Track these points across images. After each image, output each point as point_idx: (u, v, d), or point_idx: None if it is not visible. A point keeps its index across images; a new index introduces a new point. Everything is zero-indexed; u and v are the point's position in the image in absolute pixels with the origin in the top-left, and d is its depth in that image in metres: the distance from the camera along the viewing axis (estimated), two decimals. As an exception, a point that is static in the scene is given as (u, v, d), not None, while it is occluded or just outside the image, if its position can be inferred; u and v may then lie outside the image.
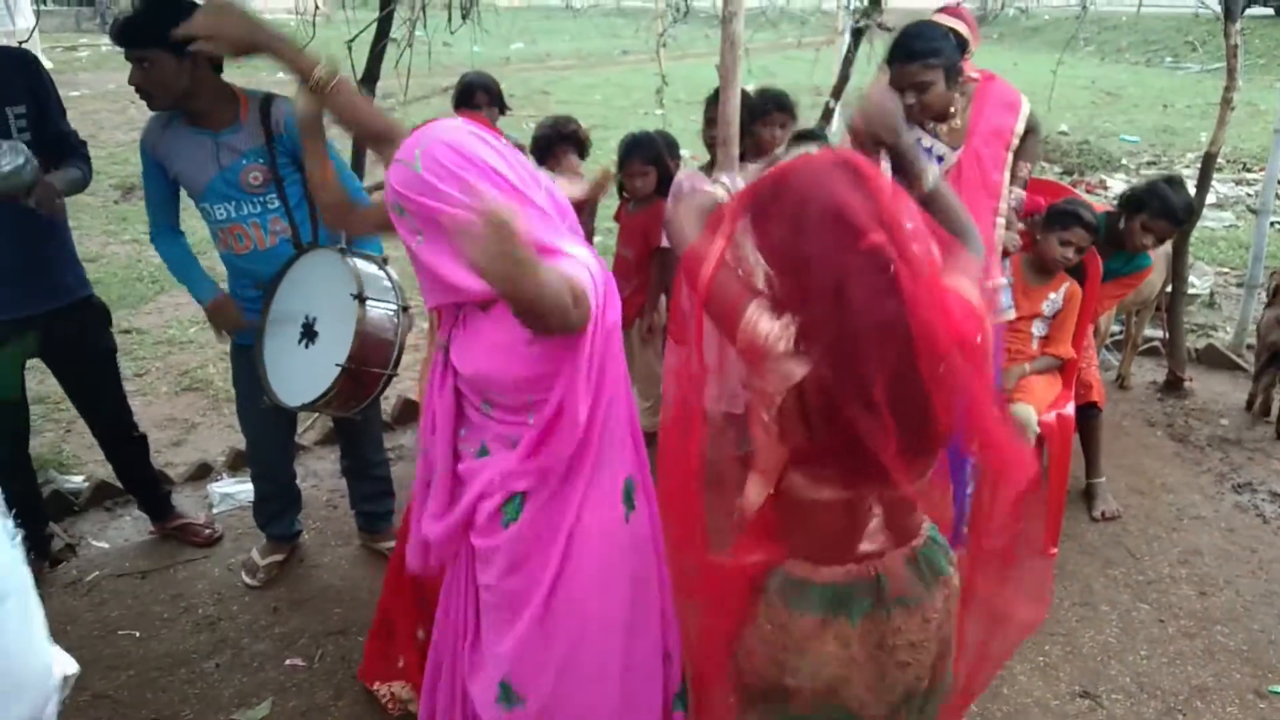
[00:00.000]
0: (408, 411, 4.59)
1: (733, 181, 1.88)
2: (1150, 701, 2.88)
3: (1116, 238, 3.77)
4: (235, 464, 4.14)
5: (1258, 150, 9.65)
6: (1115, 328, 5.02)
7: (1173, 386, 4.87)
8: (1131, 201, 3.79)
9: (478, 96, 3.72)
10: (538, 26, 20.66)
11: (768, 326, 1.52)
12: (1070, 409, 3.58)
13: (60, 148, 3.04)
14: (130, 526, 3.70)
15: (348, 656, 3.05)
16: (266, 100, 2.92)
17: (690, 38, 7.18)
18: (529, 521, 1.90)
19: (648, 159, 3.80)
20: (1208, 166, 4.68)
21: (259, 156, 2.88)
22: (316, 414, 4.39)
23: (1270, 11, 15.49)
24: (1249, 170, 9.41)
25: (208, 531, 3.60)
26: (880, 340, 1.47)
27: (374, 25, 4.20)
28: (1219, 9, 4.57)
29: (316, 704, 2.85)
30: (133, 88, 2.80)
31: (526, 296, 1.56)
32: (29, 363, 3.23)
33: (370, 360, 2.68)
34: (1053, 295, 3.55)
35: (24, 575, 1.12)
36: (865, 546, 1.66)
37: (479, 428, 1.94)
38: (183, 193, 3.03)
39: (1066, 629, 3.19)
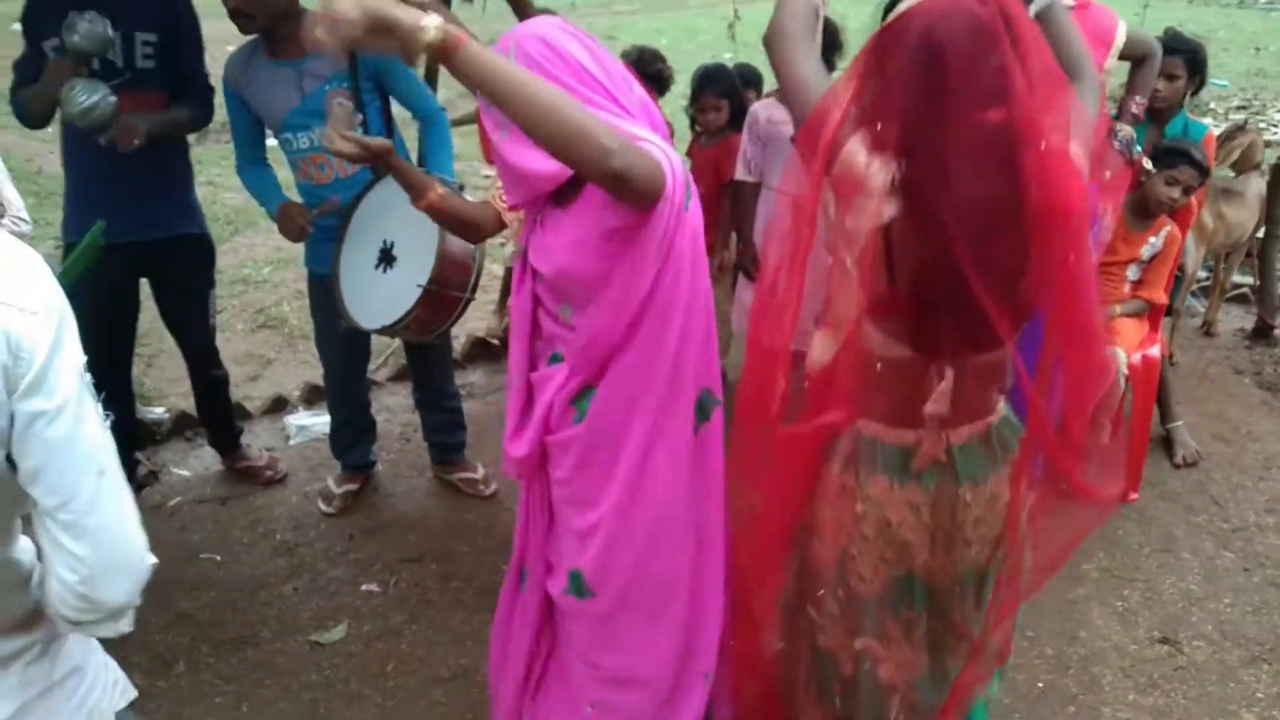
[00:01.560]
0: (477, 350, 4.62)
1: None
2: (1234, 649, 2.81)
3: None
4: (311, 398, 4.21)
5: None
6: (1202, 273, 4.84)
7: (1262, 333, 4.69)
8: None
9: None
10: (603, -27, 20.40)
11: (867, 160, 1.45)
12: (1156, 351, 3.46)
13: (181, 86, 3.05)
14: (210, 456, 3.78)
15: (421, 583, 3.10)
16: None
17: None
18: (599, 413, 1.88)
19: (720, 93, 3.72)
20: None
21: (342, 81, 2.88)
22: (390, 349, 4.45)
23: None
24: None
25: (269, 473, 3.66)
26: (979, 209, 1.43)
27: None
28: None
29: (391, 628, 2.91)
30: (229, 13, 2.79)
31: (486, 85, 1.46)
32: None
33: (450, 282, 2.68)
34: (1153, 239, 3.42)
35: (116, 457, 1.14)
36: (929, 408, 1.60)
37: (555, 337, 1.93)
38: None
39: (1146, 575, 3.12)
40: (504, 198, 1.98)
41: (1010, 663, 2.55)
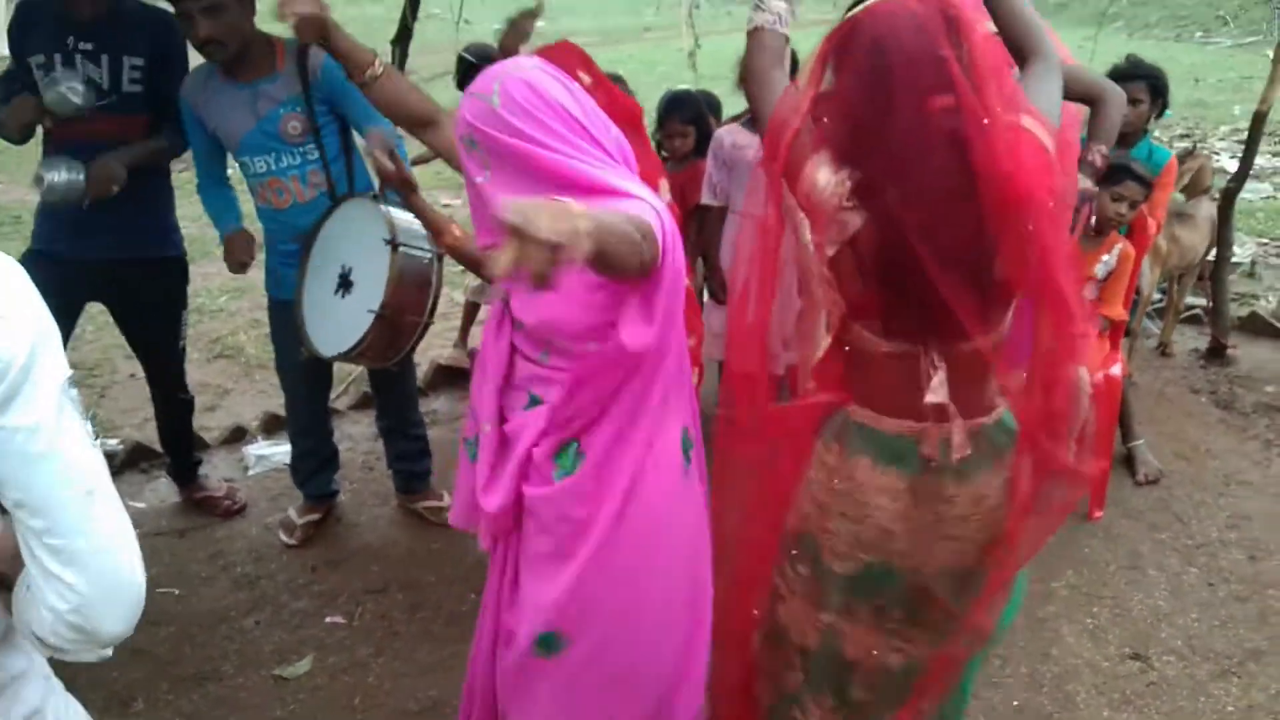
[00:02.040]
0: (439, 377, 4.57)
1: (768, 5, 1.70)
2: (1203, 664, 2.82)
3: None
4: (270, 427, 4.13)
5: (1295, 123, 9.48)
6: (1156, 295, 4.93)
7: (1216, 353, 4.77)
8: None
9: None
10: (559, 5, 20.50)
11: (825, 178, 1.51)
12: (1117, 370, 3.51)
13: (165, 112, 3.03)
14: (166, 488, 3.69)
15: (387, 614, 3.04)
16: (303, 48, 2.88)
17: (712, 15, 7.09)
18: (586, 475, 1.84)
19: (687, 119, 3.74)
20: (1256, 126, 4.55)
21: (296, 105, 2.85)
22: (352, 377, 4.38)
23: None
24: (1286, 141, 9.25)
25: (227, 503, 3.57)
26: (940, 200, 1.47)
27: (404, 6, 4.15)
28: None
29: (357, 660, 2.84)
30: (199, 43, 2.76)
31: (601, 250, 1.42)
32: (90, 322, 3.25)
33: (405, 307, 2.65)
34: (1105, 257, 3.46)
35: (107, 476, 1.09)
36: (928, 399, 1.62)
37: (533, 379, 1.90)
38: None
39: (1114, 592, 3.14)
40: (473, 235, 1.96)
41: (981, 682, 2.56)
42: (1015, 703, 2.68)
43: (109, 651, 1.16)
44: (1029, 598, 3.00)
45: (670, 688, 1.98)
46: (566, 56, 2.14)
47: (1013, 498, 1.70)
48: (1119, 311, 3.51)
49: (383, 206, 2.69)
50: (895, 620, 1.77)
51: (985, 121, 1.45)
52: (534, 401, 1.91)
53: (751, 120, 3.58)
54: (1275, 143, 9.32)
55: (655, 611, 1.93)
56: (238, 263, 3.05)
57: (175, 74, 3.02)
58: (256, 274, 6.15)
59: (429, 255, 2.70)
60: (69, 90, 2.76)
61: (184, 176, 7.46)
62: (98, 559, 1.05)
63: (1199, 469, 3.86)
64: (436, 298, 2.74)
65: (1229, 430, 4.17)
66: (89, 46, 2.89)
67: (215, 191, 3.13)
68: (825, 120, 1.55)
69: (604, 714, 1.96)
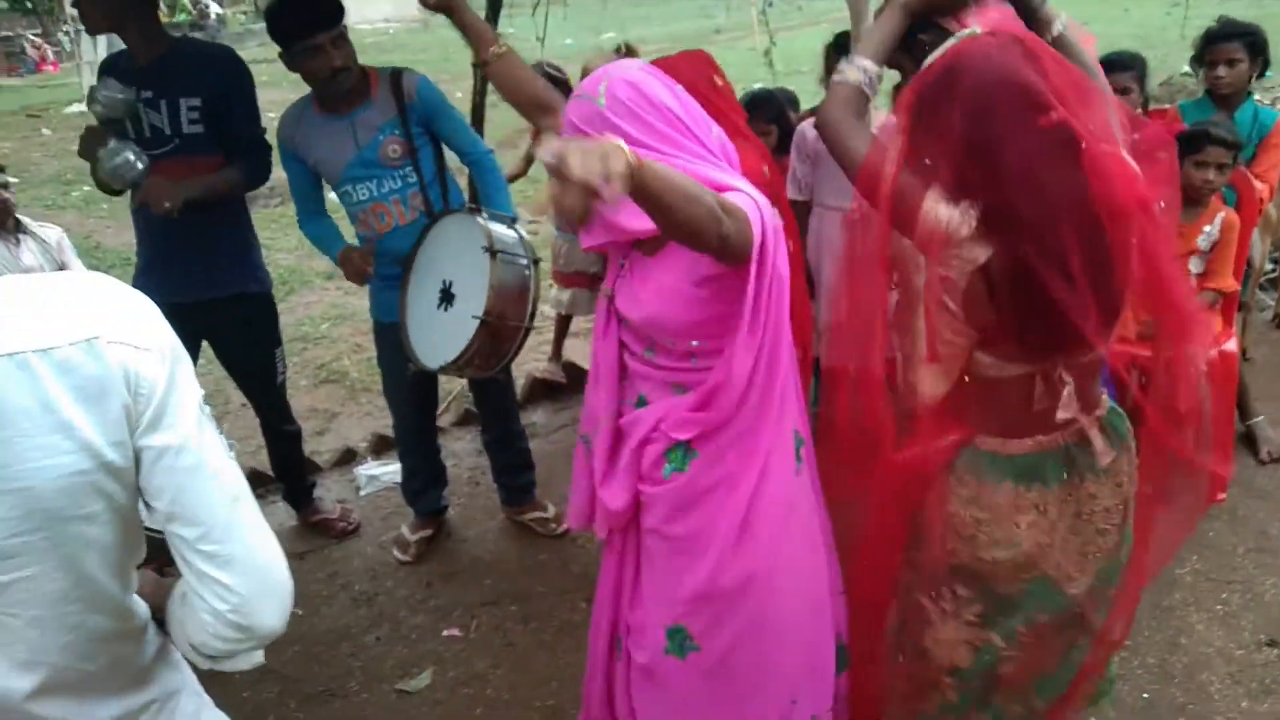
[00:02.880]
0: (536, 390, 4.63)
1: (862, 66, 1.76)
2: (1346, 648, 2.70)
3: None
4: (378, 448, 4.24)
5: None
6: (1269, 266, 4.73)
7: (1335, 324, 4.56)
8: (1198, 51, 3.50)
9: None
10: (628, 15, 20.66)
11: (947, 213, 1.54)
12: (1233, 345, 3.38)
13: (233, 147, 3.07)
14: (283, 511, 3.82)
15: (501, 626, 3.09)
16: (396, 73, 2.97)
17: (784, 11, 7.08)
18: (699, 473, 1.85)
19: (770, 117, 3.71)
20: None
21: (394, 128, 2.94)
22: (453, 395, 4.48)
23: None
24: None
25: (342, 524, 3.68)
26: (1072, 213, 1.50)
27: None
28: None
29: (475, 673, 2.90)
30: (330, 74, 2.84)
31: (654, 196, 1.45)
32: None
33: (506, 313, 2.70)
34: (1207, 228, 3.33)
35: (246, 484, 1.15)
36: (1061, 415, 1.68)
37: (640, 377, 1.92)
38: None
39: (1244, 576, 3.02)
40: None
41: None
42: (1145, 695, 2.60)
43: (261, 656, 1.22)
44: (1152, 587, 2.93)
45: (797, 688, 1.97)
46: (698, 63, 2.16)
47: (1141, 483, 1.75)
48: (1229, 283, 3.36)
49: (479, 219, 2.75)
50: (1058, 633, 1.81)
51: (1084, 144, 1.51)
52: (641, 402, 1.93)
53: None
54: (1389, 97, 8.83)
55: (780, 613, 1.92)
56: (357, 272, 3.06)
57: (239, 110, 3.08)
58: (356, 300, 6.37)
59: (526, 261, 2.76)
60: (122, 164, 2.85)
61: (279, 210, 7.71)
62: (250, 559, 1.13)
63: (1327, 444, 3.68)
64: (535, 303, 2.79)
65: (1356, 403, 3.97)
66: (149, 94, 2.95)
67: (316, 222, 3.21)
68: (928, 162, 1.59)
69: (737, 715, 1.96)
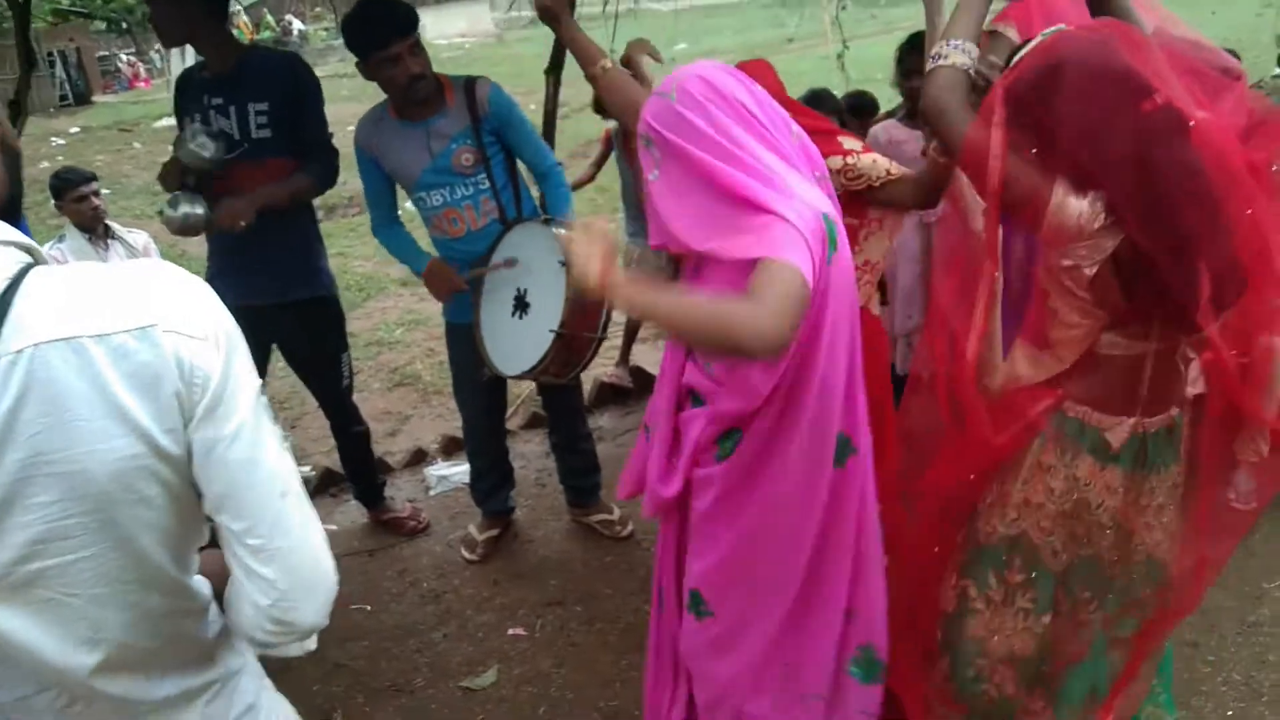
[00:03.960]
0: (604, 394, 4.65)
1: (963, 48, 1.76)
2: None
3: None
4: (449, 449, 4.30)
5: None
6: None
7: None
8: None
9: None
10: (700, 25, 20.67)
11: (1078, 206, 1.55)
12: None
13: (300, 152, 3.13)
14: (355, 510, 3.89)
15: (566, 626, 3.10)
16: (470, 82, 3.01)
17: (857, 18, 7.00)
18: (742, 455, 1.90)
19: (828, 113, 3.65)
20: None
21: (467, 138, 2.97)
22: (520, 398, 4.52)
23: None
24: None
25: (412, 523, 3.73)
26: (1191, 193, 1.50)
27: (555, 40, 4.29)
28: None
29: (540, 671, 2.91)
30: (408, 81, 2.87)
31: (647, 316, 1.66)
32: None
33: (581, 325, 2.72)
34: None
35: (298, 478, 1.16)
36: (1190, 390, 1.72)
37: (698, 383, 1.94)
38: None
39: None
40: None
41: (1190, 690, 2.42)
42: (1229, 713, 2.50)
43: (313, 644, 1.23)
44: (1237, 602, 2.83)
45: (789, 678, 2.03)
46: (758, 71, 2.16)
47: (1198, 472, 1.77)
48: None
49: (553, 229, 2.77)
50: (1098, 612, 1.82)
51: (1194, 119, 1.51)
52: (697, 401, 1.97)
53: (909, 115, 3.50)
54: None
55: (767, 606, 1.98)
56: (447, 287, 3.10)
57: (308, 114, 3.13)
58: (430, 305, 6.45)
59: None
60: (198, 146, 2.93)
61: (358, 219, 7.88)
62: (294, 556, 1.13)
63: None
64: (609, 315, 2.81)
65: None
66: (219, 101, 3.03)
67: (391, 230, 3.22)
68: (1034, 151, 1.60)
69: (753, 681, 2.03)
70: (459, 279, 3.05)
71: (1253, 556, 3.01)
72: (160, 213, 3.07)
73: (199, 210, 2.99)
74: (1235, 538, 1.89)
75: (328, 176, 3.21)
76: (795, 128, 1.84)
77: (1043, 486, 1.75)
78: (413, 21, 2.88)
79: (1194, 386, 1.67)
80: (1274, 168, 1.62)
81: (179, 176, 3.03)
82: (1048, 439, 1.75)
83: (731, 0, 23.60)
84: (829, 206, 1.77)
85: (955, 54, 1.74)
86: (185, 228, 3.01)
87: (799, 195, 1.71)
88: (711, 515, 1.98)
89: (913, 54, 3.52)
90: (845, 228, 1.83)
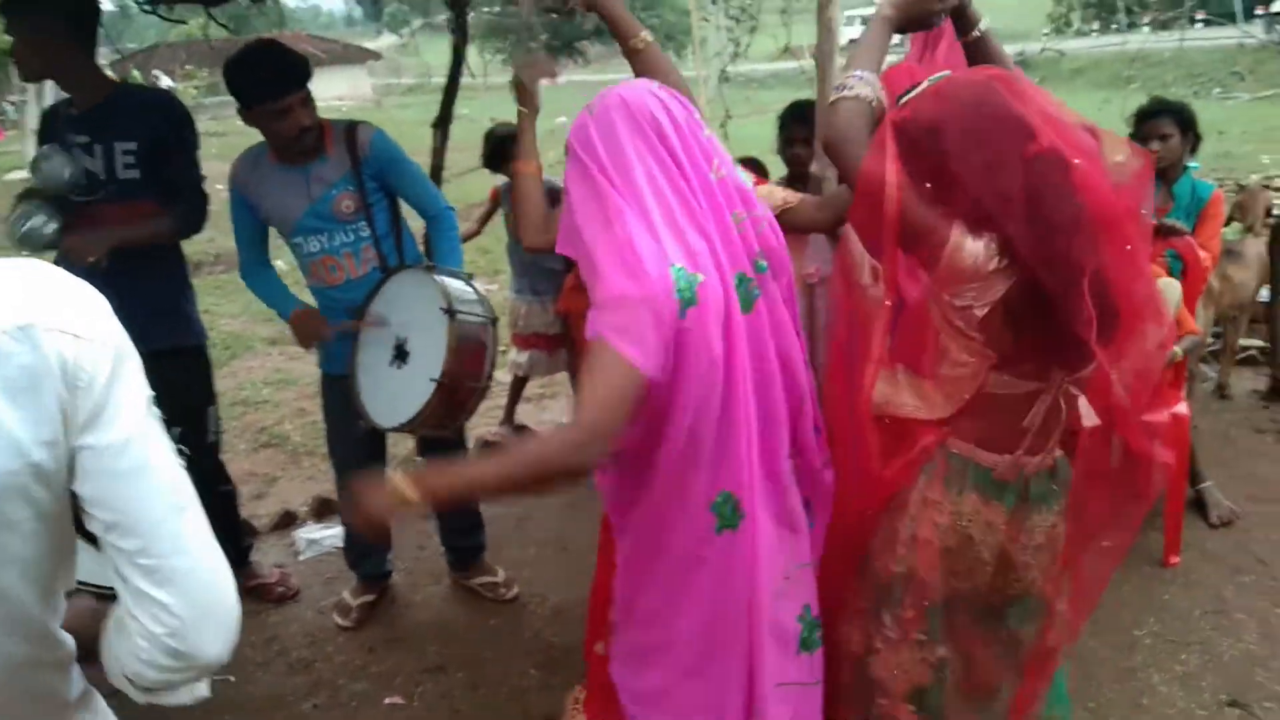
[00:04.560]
0: (488, 453, 4.53)
1: (867, 79, 1.79)
2: (1308, 708, 2.68)
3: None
4: (320, 511, 4.10)
5: (1325, 167, 9.48)
6: (1209, 339, 4.84)
7: (1277, 392, 4.67)
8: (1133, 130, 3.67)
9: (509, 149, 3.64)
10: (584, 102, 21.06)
11: (974, 248, 1.58)
12: (1184, 409, 3.41)
13: (168, 195, 2.98)
14: (218, 576, 3.64)
15: (448, 693, 2.95)
16: (351, 126, 2.93)
17: (732, 100, 7.20)
18: (617, 516, 1.94)
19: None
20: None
21: (348, 184, 2.88)
22: (399, 459, 4.36)
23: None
24: (1320, 187, 9.21)
25: (281, 589, 3.51)
26: (1077, 232, 1.55)
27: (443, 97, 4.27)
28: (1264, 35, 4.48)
29: (419, 741, 2.76)
30: (297, 134, 2.79)
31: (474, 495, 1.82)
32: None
33: (464, 373, 2.63)
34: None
35: (195, 495, 1.05)
36: (1086, 423, 1.74)
37: None
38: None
39: (1202, 638, 3.00)
40: None
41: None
42: (1111, 757, 2.55)
43: (206, 690, 1.11)
44: (1113, 649, 2.91)
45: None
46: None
47: (1072, 518, 1.80)
48: (1189, 324, 3.40)
49: (435, 276, 2.70)
50: (980, 644, 1.87)
51: (1076, 160, 1.57)
52: None
53: (791, 180, 3.55)
54: (1310, 187, 9.26)
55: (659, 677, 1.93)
56: (310, 338, 2.99)
57: (176, 156, 3.00)
58: (300, 365, 6.23)
59: (484, 321, 2.70)
60: (54, 166, 2.78)
61: (225, 277, 7.62)
62: (193, 577, 1.02)
63: (1274, 509, 3.72)
64: (493, 363, 2.73)
65: (1300, 469, 4.04)
66: (85, 139, 2.88)
67: (262, 276, 3.09)
68: (929, 186, 1.64)
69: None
70: (327, 328, 2.94)
71: (1125, 606, 3.11)
72: (7, 219, 2.85)
73: (51, 225, 2.80)
74: (1108, 571, 1.92)
75: (194, 220, 3.06)
76: (725, 166, 1.80)
77: (930, 523, 1.76)
78: (308, 74, 2.80)
79: (1090, 419, 1.71)
80: (1143, 211, 1.70)
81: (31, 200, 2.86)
82: (934, 475, 1.77)
83: (616, 77, 24.17)
84: (694, 256, 1.69)
85: (859, 85, 1.77)
86: (29, 238, 2.81)
87: (661, 243, 1.67)
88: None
89: (794, 122, 3.60)
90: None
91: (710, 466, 1.79)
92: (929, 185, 1.61)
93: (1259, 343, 5.00)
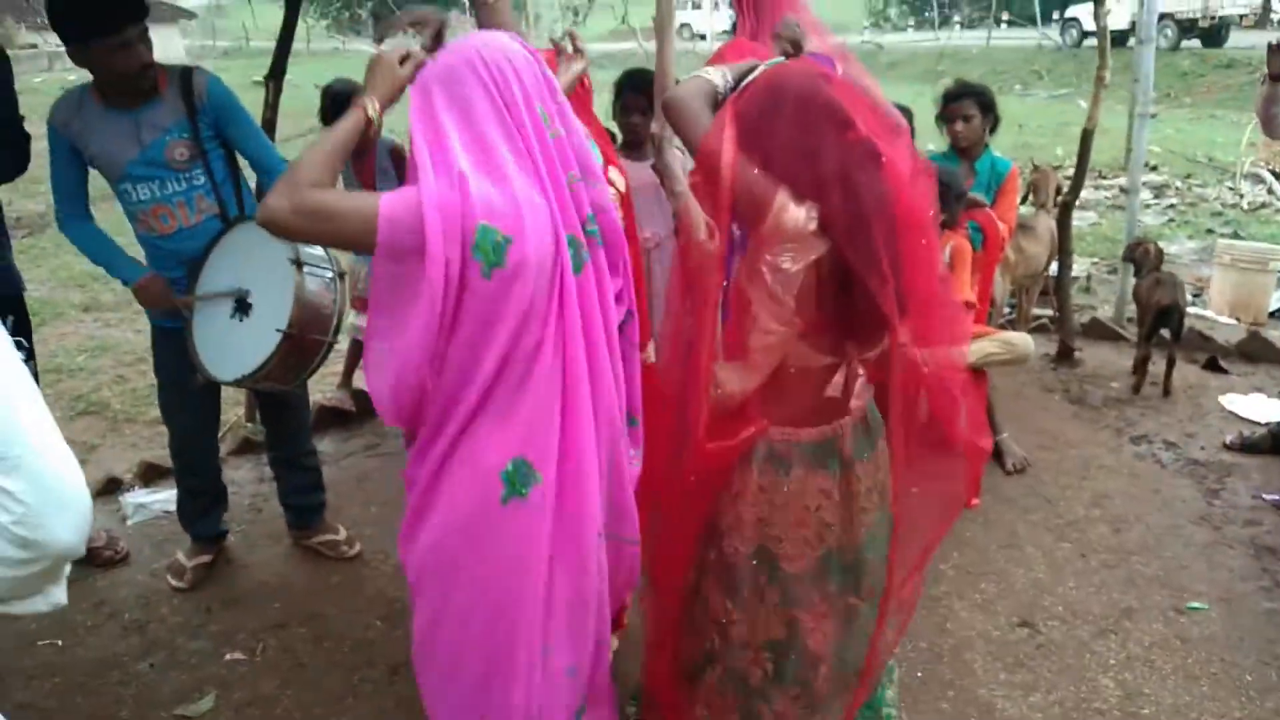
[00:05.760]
0: (325, 418, 4.48)
1: (724, 75, 1.94)
2: (1084, 625, 3.01)
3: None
4: (148, 476, 3.97)
5: (1109, 161, 10.39)
6: (1005, 308, 5.28)
7: (1064, 356, 5.14)
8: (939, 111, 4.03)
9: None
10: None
11: (796, 213, 1.68)
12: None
13: None
14: (37, 544, 3.48)
15: (291, 648, 2.94)
16: (186, 71, 2.85)
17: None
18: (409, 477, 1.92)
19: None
20: (1085, 142, 5.00)
21: (183, 131, 2.79)
22: (230, 425, 4.26)
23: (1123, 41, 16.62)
24: (1104, 177, 10.09)
25: (109, 553, 3.40)
26: (880, 217, 1.70)
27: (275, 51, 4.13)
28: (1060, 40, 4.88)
29: (263, 694, 2.74)
30: (137, 71, 2.67)
31: None
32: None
33: (311, 327, 2.63)
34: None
35: (36, 388, 1.06)
36: (854, 402, 1.90)
37: None
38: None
39: (997, 569, 3.32)
40: None
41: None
42: (919, 674, 2.80)
43: (63, 596, 1.11)
44: (921, 579, 3.18)
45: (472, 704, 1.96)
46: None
47: (893, 469, 1.97)
48: (967, 293, 3.68)
49: None
50: (843, 598, 1.98)
51: (884, 158, 1.73)
52: None
53: (626, 146, 3.65)
54: (1095, 177, 10.13)
55: (453, 629, 1.92)
56: (156, 306, 2.90)
57: None
58: (117, 332, 5.94)
59: (332, 275, 2.70)
60: None
61: (28, 242, 7.16)
62: (40, 462, 1.03)
63: (1061, 457, 4.13)
64: (340, 317, 2.73)
65: (1083, 423, 4.49)
66: None
67: (84, 226, 2.92)
68: (761, 161, 1.74)
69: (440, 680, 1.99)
70: (176, 299, 2.85)
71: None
72: None
73: None
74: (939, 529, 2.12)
75: (17, 161, 2.93)
76: (570, 124, 1.84)
77: (765, 502, 1.89)
78: (145, 7, 2.68)
79: (860, 397, 1.90)
80: (930, 213, 1.87)
81: None
82: (763, 462, 1.89)
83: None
84: (517, 203, 1.70)
85: (714, 75, 1.93)
86: None
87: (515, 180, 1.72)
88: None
89: (630, 91, 3.66)
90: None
91: (506, 428, 1.79)
92: (760, 164, 1.73)
93: (1049, 312, 5.47)
